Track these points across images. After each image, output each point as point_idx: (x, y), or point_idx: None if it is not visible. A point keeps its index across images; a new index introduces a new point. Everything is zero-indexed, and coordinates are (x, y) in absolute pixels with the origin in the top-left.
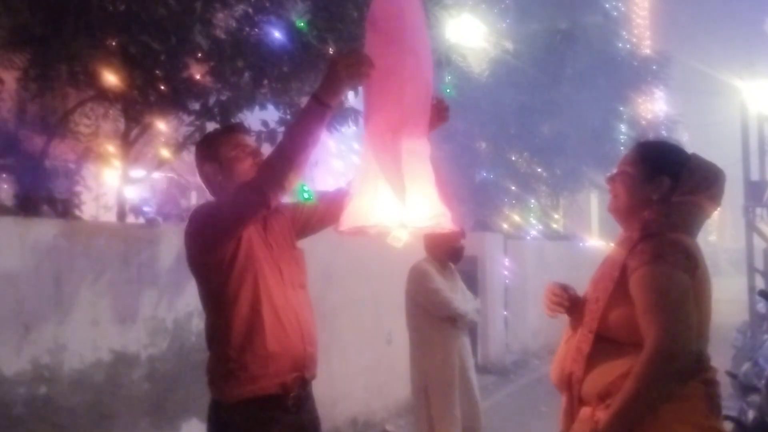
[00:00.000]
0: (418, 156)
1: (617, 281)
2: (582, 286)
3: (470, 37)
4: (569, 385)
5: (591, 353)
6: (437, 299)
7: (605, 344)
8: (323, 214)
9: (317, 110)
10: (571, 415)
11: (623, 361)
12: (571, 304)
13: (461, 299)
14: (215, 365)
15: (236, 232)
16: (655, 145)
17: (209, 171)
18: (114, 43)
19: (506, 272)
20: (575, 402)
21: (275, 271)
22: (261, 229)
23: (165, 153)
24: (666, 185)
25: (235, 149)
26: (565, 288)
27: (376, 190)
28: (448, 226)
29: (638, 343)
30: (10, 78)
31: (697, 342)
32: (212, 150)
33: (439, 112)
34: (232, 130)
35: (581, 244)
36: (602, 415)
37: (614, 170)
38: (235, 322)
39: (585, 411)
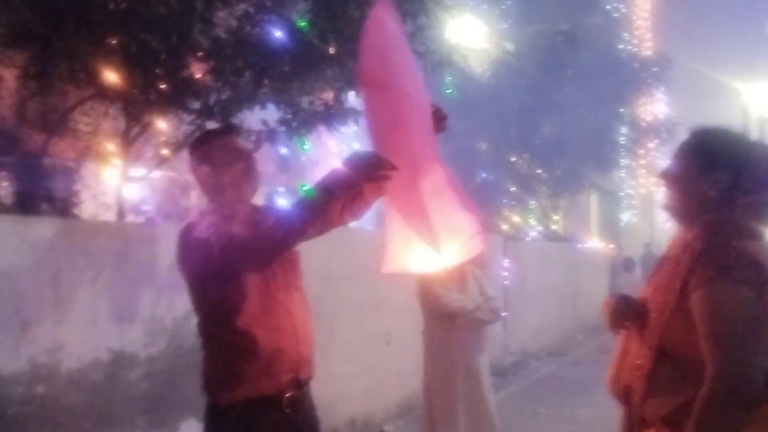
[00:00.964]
0: (438, 190)
1: (679, 294)
2: (581, 286)
3: (471, 37)
4: (627, 399)
5: (652, 370)
6: (431, 297)
7: (667, 361)
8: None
9: (351, 189)
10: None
11: (687, 383)
12: (635, 317)
13: (462, 298)
14: (209, 368)
15: (233, 270)
16: (710, 133)
17: (203, 173)
18: (114, 42)
19: (506, 273)
20: (636, 421)
21: (268, 274)
22: None
23: (165, 152)
24: (724, 181)
25: (228, 153)
26: (626, 301)
27: (409, 239)
28: (480, 245)
29: (702, 363)
30: (10, 76)
31: (766, 362)
32: (205, 152)
33: (437, 121)
34: (225, 133)
35: (581, 246)
36: None
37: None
38: (228, 326)
39: None
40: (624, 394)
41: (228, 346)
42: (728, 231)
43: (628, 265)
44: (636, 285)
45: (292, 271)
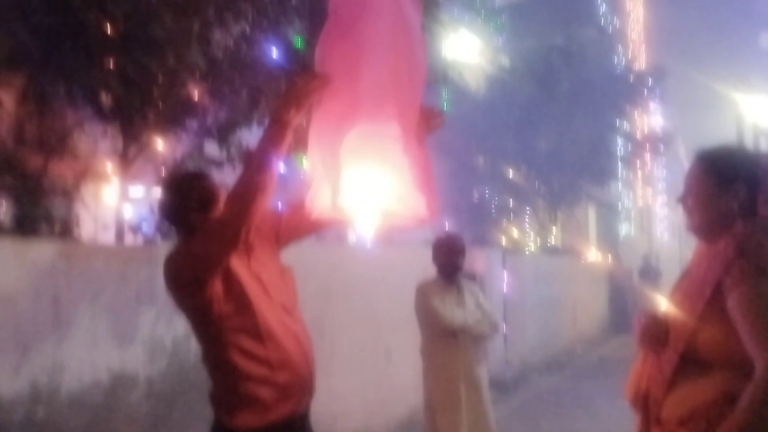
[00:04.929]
0: (379, 139)
1: (708, 300)
2: (580, 300)
3: (467, 52)
4: (645, 405)
5: (674, 374)
6: (431, 314)
7: (690, 365)
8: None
9: (279, 130)
10: None
11: (710, 383)
12: (667, 335)
13: (462, 313)
14: (222, 395)
15: (217, 269)
16: (718, 152)
17: (175, 209)
18: (112, 64)
19: (505, 287)
20: (651, 424)
21: (266, 299)
22: (245, 257)
23: (163, 171)
24: (742, 194)
25: (205, 193)
26: (656, 319)
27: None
28: (409, 212)
29: (728, 364)
30: (8, 98)
31: None
32: (182, 191)
33: (430, 119)
34: (201, 177)
35: (580, 259)
36: None
37: (682, 189)
38: (238, 355)
39: None
40: (642, 401)
41: (240, 375)
42: (760, 235)
43: (646, 273)
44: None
45: (288, 291)
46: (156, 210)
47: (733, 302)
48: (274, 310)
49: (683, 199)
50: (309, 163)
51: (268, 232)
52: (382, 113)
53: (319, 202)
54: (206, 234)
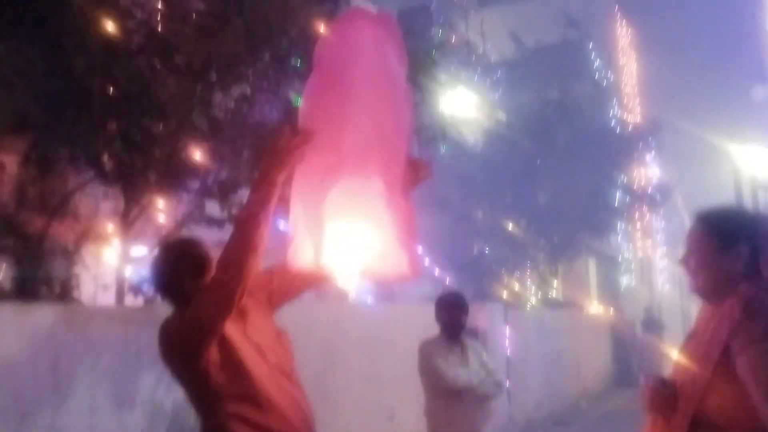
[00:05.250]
0: (361, 196)
1: (717, 363)
2: (584, 353)
3: (464, 108)
4: None
5: None
6: (434, 373)
7: (701, 430)
8: (304, 277)
9: (266, 190)
10: None
11: None
12: (675, 400)
13: (467, 373)
14: None
15: (212, 337)
16: (718, 214)
17: (185, 289)
18: (115, 128)
19: (507, 342)
20: None
21: (263, 364)
22: (240, 322)
23: (164, 231)
24: (745, 254)
25: (197, 258)
26: (664, 383)
27: (313, 233)
28: (391, 270)
29: (739, 428)
30: (11, 161)
31: None
32: (174, 258)
33: (418, 170)
34: (192, 243)
35: (582, 311)
36: None
37: (684, 249)
38: (237, 423)
39: None
40: None
41: None
42: (765, 296)
43: (649, 325)
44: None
45: (285, 355)
46: (150, 280)
47: (742, 365)
48: (271, 375)
49: (686, 261)
50: (291, 218)
51: (261, 295)
52: (366, 169)
53: (301, 258)
54: (199, 301)
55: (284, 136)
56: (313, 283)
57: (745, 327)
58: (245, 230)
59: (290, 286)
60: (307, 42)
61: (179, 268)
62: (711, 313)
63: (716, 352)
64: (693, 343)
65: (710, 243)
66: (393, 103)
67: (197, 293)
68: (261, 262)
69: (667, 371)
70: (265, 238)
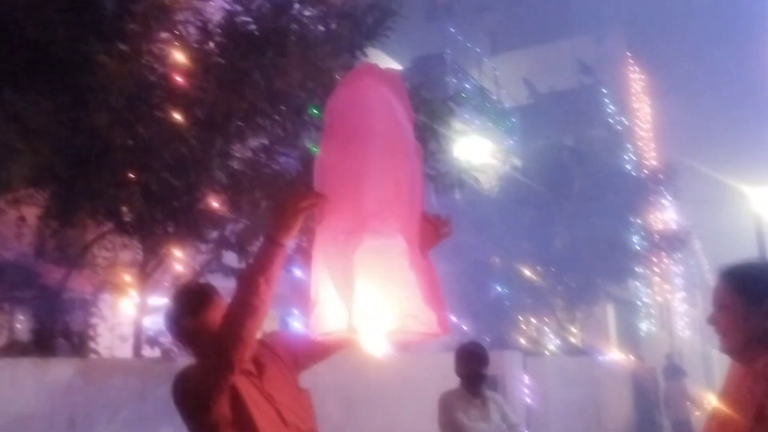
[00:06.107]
0: (386, 254)
1: (754, 423)
2: (604, 401)
3: (479, 155)
4: None
5: None
6: (455, 428)
7: None
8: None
9: (271, 251)
10: None
11: None
12: None
13: (488, 427)
14: None
15: (218, 392)
16: (744, 270)
17: (185, 327)
18: (135, 180)
19: (527, 390)
20: None
21: (279, 422)
22: (257, 379)
23: (181, 281)
24: None
25: (195, 296)
26: None
27: (334, 295)
28: (422, 328)
29: None
30: (31, 214)
31: None
32: (192, 308)
33: (438, 228)
34: (194, 284)
35: (601, 358)
36: None
37: (711, 309)
38: None
39: None
40: None
41: None
42: None
43: (671, 372)
44: (682, 392)
45: (304, 413)
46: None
47: None
48: None
49: (714, 320)
50: (313, 282)
51: (284, 353)
52: (388, 227)
53: (324, 324)
54: (203, 356)
55: (294, 196)
56: (338, 347)
57: None
58: (245, 292)
59: (315, 349)
60: (324, 93)
61: (177, 307)
62: (743, 372)
63: (752, 414)
64: (725, 403)
65: (739, 301)
66: (406, 159)
67: (200, 334)
68: (261, 324)
69: (692, 421)
70: (267, 301)
